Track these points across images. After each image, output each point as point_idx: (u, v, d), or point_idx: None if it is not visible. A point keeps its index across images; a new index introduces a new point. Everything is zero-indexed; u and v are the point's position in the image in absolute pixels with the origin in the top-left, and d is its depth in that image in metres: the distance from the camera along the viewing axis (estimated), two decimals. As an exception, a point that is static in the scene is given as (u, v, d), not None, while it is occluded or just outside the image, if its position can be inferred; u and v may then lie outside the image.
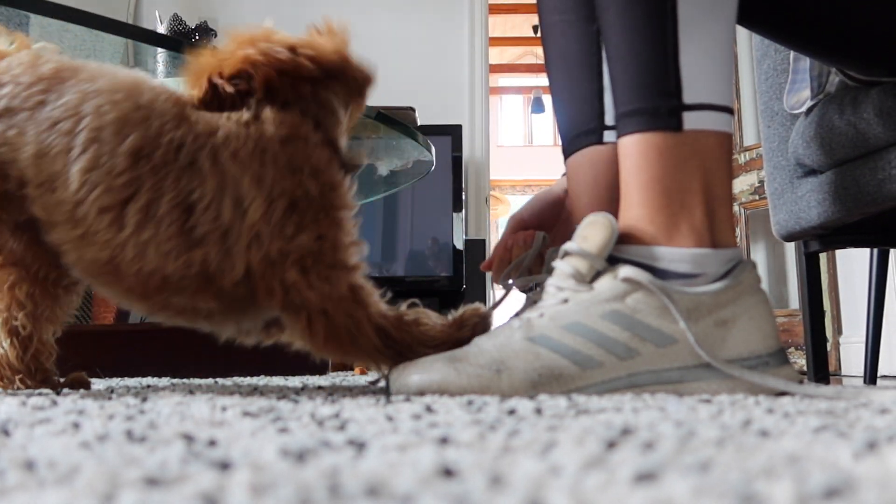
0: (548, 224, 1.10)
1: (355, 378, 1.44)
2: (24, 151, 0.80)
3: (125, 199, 0.78)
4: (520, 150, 10.41)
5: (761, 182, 3.43)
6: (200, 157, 0.79)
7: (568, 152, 1.02)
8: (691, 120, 0.80)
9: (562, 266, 0.80)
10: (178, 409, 0.61)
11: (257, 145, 0.81)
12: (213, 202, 0.79)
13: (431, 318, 0.88)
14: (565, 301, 0.79)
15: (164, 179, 0.78)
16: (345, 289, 0.82)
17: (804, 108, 1.41)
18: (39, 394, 0.85)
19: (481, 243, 3.58)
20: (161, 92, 0.84)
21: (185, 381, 1.25)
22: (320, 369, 1.67)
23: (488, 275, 3.53)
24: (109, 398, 0.74)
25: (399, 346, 0.84)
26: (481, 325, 0.89)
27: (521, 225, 1.09)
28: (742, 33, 3.27)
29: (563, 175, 1.07)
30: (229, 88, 0.83)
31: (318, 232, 0.81)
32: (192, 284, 0.81)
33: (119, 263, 0.79)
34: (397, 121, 1.95)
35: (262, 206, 0.79)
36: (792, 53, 1.45)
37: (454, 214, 3.55)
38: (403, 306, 0.89)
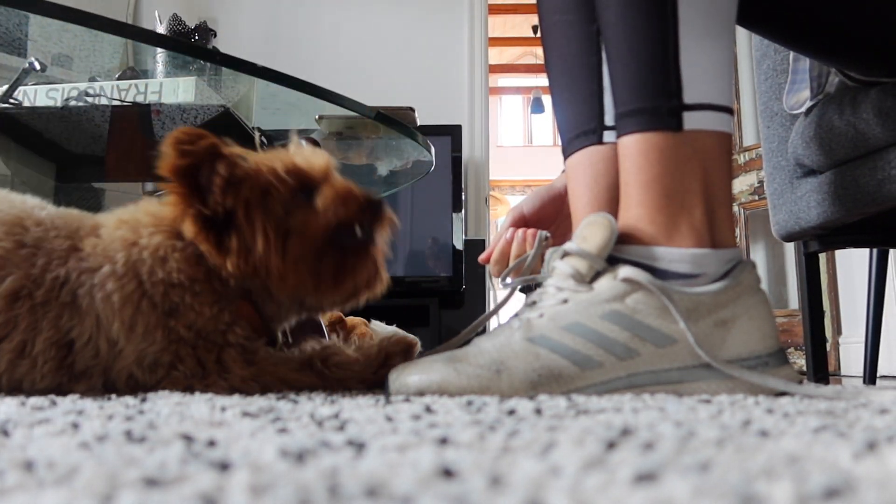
0: (548, 220, 1.10)
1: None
2: None
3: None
4: (519, 150, 10.42)
5: (761, 182, 3.43)
6: (80, 295, 0.80)
7: (567, 152, 1.02)
8: (691, 120, 0.80)
9: (561, 266, 0.80)
10: (178, 410, 0.61)
11: (136, 290, 0.80)
12: (91, 340, 0.80)
13: (345, 354, 0.88)
14: (565, 301, 0.79)
15: (43, 318, 0.79)
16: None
17: (804, 109, 1.41)
18: (38, 394, 0.84)
19: (481, 243, 3.58)
20: (53, 226, 0.84)
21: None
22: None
23: (487, 275, 3.53)
24: (109, 398, 0.74)
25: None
26: (405, 356, 0.90)
27: (522, 220, 1.09)
28: (742, 33, 3.27)
29: (564, 172, 1.07)
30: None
31: (196, 360, 0.82)
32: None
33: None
34: (397, 121, 1.95)
35: (133, 352, 0.80)
36: (791, 54, 1.45)
37: (454, 215, 3.55)
38: (311, 345, 0.89)
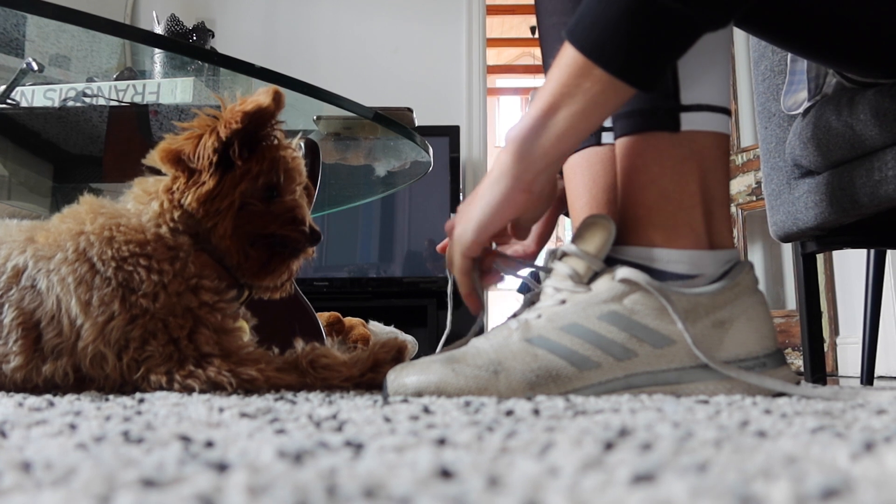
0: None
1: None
2: None
3: None
4: (517, 150, 10.39)
5: (758, 183, 3.44)
6: (38, 280, 0.86)
7: (566, 153, 1.02)
8: (689, 121, 0.80)
9: (560, 267, 0.80)
10: (175, 411, 0.61)
11: (89, 270, 0.85)
12: (54, 319, 0.85)
13: (334, 356, 0.92)
14: (563, 302, 0.79)
15: (7, 302, 0.86)
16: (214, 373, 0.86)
17: (801, 110, 1.41)
18: (36, 395, 0.84)
19: (479, 244, 3.57)
20: (17, 226, 0.93)
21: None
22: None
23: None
24: (106, 399, 0.74)
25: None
26: (395, 362, 0.93)
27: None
28: (740, 34, 3.27)
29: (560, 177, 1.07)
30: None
31: (168, 336, 0.86)
32: (69, 384, 0.87)
33: None
34: (395, 122, 1.95)
35: (92, 328, 0.84)
36: (789, 55, 1.45)
37: (452, 215, 3.54)
38: (302, 346, 0.93)
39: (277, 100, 0.92)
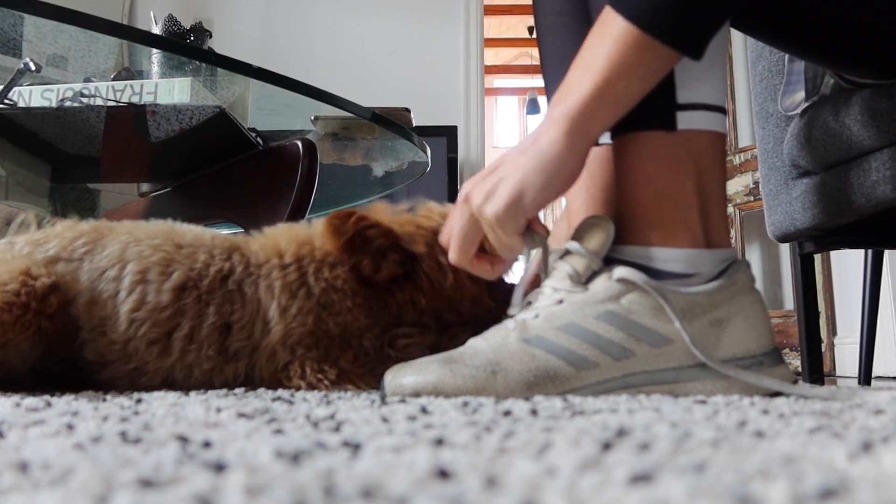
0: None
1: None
2: (80, 298, 0.90)
3: (170, 330, 0.90)
4: (515, 151, 10.37)
5: (756, 183, 3.44)
6: (245, 285, 0.92)
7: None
8: (685, 120, 0.80)
9: (562, 266, 0.80)
10: (173, 411, 0.61)
11: (297, 279, 0.93)
12: (248, 323, 0.91)
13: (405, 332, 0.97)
14: (560, 302, 0.79)
15: (208, 305, 0.91)
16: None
17: (799, 110, 1.41)
18: (34, 395, 0.84)
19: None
20: (203, 232, 0.99)
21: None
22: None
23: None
24: (104, 399, 0.74)
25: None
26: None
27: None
28: (737, 35, 3.28)
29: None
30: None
31: (327, 352, 0.92)
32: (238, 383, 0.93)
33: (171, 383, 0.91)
34: (393, 122, 1.95)
35: (281, 330, 0.91)
36: (787, 55, 1.45)
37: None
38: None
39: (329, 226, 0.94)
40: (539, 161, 0.78)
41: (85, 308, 0.89)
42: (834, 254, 3.27)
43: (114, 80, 1.68)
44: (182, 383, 0.91)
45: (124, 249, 0.92)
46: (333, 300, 0.93)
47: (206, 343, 0.89)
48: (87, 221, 0.99)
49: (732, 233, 3.61)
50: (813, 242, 1.57)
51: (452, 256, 0.85)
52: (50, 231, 0.96)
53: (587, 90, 0.77)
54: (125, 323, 0.89)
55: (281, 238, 0.97)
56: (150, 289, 0.90)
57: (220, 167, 1.78)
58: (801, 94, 1.39)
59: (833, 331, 3.29)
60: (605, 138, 0.99)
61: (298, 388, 0.90)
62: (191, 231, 0.98)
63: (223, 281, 0.92)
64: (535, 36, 1.05)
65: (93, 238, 0.94)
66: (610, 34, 0.76)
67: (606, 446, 0.39)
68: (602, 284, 0.78)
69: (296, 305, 0.91)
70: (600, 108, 0.77)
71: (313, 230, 0.98)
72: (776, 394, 0.77)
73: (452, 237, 0.85)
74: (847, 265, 3.18)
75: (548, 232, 0.83)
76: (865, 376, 1.89)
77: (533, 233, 0.81)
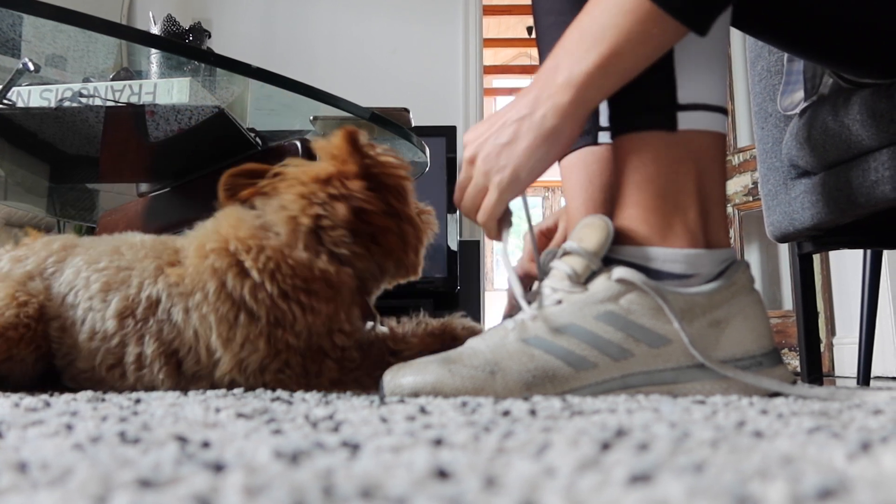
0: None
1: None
2: (54, 322, 0.92)
3: (121, 357, 0.90)
4: (514, 151, 10.36)
5: (755, 183, 3.44)
6: (173, 314, 0.88)
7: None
8: (685, 120, 0.80)
9: (560, 266, 0.80)
10: (172, 411, 0.60)
11: (231, 309, 0.86)
12: (192, 350, 0.88)
13: (407, 341, 0.94)
14: (559, 302, 0.79)
15: (145, 335, 0.89)
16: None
17: (798, 110, 1.41)
18: (33, 395, 0.84)
19: (475, 245, 3.57)
20: (142, 247, 0.94)
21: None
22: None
23: (482, 277, 3.53)
24: (102, 400, 0.74)
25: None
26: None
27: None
28: (736, 35, 3.28)
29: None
30: None
31: (303, 368, 0.89)
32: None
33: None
34: (392, 122, 1.95)
35: (230, 361, 0.87)
36: (786, 55, 1.46)
37: (448, 216, 3.54)
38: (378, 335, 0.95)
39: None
40: (541, 130, 0.79)
41: (57, 334, 0.92)
42: (833, 254, 3.27)
43: (112, 80, 1.67)
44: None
45: (76, 274, 0.93)
46: (284, 311, 0.86)
47: (157, 367, 0.89)
48: (61, 236, 1.01)
49: (731, 233, 3.61)
50: (812, 242, 1.57)
51: (481, 217, 0.86)
52: (30, 246, 0.99)
53: (594, 60, 0.77)
54: (86, 352, 0.91)
55: (213, 241, 0.89)
56: (97, 317, 0.90)
57: (219, 167, 1.78)
58: (800, 94, 1.39)
59: (832, 331, 3.29)
60: (605, 138, 0.99)
61: None
62: (133, 247, 0.94)
63: (155, 308, 0.89)
64: (534, 36, 1.05)
65: (59, 258, 0.96)
66: (619, 4, 0.77)
67: (605, 446, 0.39)
68: (601, 285, 0.78)
69: (240, 335, 0.86)
70: (605, 79, 0.78)
71: (268, 206, 0.92)
72: (775, 394, 0.77)
73: (472, 198, 0.86)
74: (846, 265, 3.18)
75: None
76: (864, 376, 1.89)
77: (508, 212, 0.85)
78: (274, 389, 0.86)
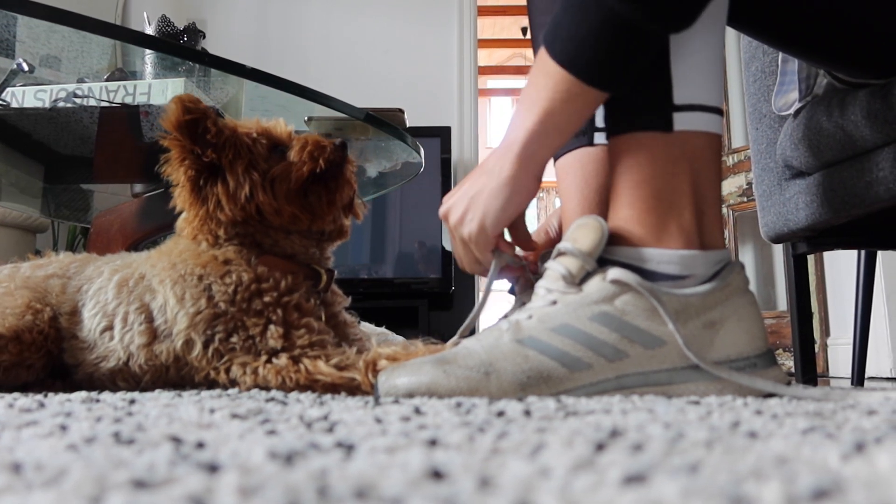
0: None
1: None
2: (64, 315, 1.05)
3: (113, 318, 1.03)
4: (509, 152, 10.36)
5: (749, 184, 3.44)
6: (153, 281, 1.03)
7: (558, 154, 1.02)
8: (681, 121, 0.81)
9: (555, 266, 0.80)
10: (166, 412, 0.60)
11: (182, 276, 1.01)
12: (161, 309, 1.01)
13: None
14: (554, 303, 0.79)
15: (132, 297, 1.03)
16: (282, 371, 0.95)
17: (792, 110, 1.41)
18: (27, 396, 0.84)
19: (470, 245, 3.57)
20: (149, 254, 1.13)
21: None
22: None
23: (477, 277, 3.53)
24: (97, 400, 0.74)
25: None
26: None
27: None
28: (730, 35, 3.28)
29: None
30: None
31: (247, 333, 0.97)
32: (171, 368, 1.02)
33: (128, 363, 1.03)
34: (386, 122, 1.95)
35: (185, 318, 0.98)
36: (780, 55, 1.46)
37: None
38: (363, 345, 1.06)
39: (181, 103, 1.02)
40: (497, 184, 0.86)
41: (66, 319, 1.05)
42: (827, 254, 3.28)
43: (107, 80, 1.67)
44: (128, 369, 1.01)
45: (96, 269, 1.09)
46: (210, 283, 0.99)
47: (137, 323, 1.01)
48: (83, 254, 1.19)
49: (726, 233, 3.61)
50: (806, 243, 1.57)
51: (467, 268, 0.94)
52: (52, 258, 1.15)
53: (532, 122, 0.84)
54: (87, 321, 1.04)
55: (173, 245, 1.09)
56: (102, 291, 1.05)
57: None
58: (795, 95, 1.39)
59: (826, 331, 3.30)
60: (601, 139, 0.99)
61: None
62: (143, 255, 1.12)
63: (141, 280, 1.04)
64: (528, 36, 1.05)
65: (83, 263, 1.12)
66: (547, 73, 0.83)
67: (600, 447, 0.39)
68: (596, 285, 0.78)
69: (189, 293, 1.00)
70: (544, 136, 0.85)
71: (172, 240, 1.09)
72: (769, 395, 0.77)
73: (456, 252, 0.94)
74: (840, 266, 3.19)
75: (513, 250, 0.91)
76: (858, 377, 1.89)
77: (499, 252, 0.89)
78: (225, 361, 0.97)
